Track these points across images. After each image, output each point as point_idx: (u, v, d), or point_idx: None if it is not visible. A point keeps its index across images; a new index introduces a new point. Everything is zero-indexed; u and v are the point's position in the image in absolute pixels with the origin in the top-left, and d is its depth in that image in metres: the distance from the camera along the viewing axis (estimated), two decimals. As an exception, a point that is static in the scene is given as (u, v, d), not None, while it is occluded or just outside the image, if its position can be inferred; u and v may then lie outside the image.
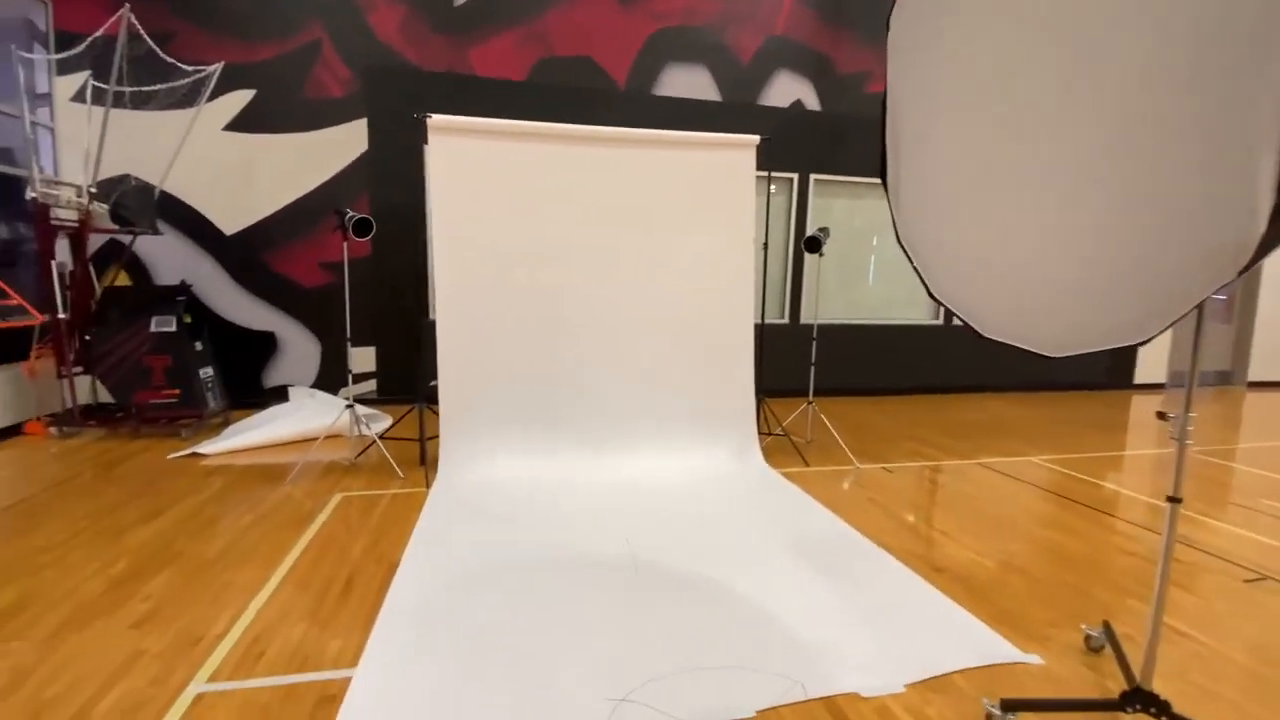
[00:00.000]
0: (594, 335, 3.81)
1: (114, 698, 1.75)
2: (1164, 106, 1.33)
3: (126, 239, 4.72)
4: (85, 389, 4.78)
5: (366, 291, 5.40)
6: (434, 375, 3.68)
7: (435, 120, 3.52)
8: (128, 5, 4.18)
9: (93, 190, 4.19)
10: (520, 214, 3.67)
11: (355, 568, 2.53)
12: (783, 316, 6.39)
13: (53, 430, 4.33)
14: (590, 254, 3.78)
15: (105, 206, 4.17)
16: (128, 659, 1.92)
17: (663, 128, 5.40)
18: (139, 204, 4.30)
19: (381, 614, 2.12)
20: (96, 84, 4.39)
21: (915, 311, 6.72)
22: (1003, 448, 4.66)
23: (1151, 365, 7.52)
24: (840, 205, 6.42)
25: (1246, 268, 1.18)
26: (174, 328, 4.42)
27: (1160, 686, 1.89)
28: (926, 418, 5.63)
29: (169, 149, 4.68)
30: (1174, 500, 1.68)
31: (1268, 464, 4.39)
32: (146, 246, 4.98)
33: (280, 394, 5.27)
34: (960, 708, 1.77)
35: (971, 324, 1.70)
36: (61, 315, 4.17)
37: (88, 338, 4.36)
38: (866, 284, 6.62)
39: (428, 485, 3.49)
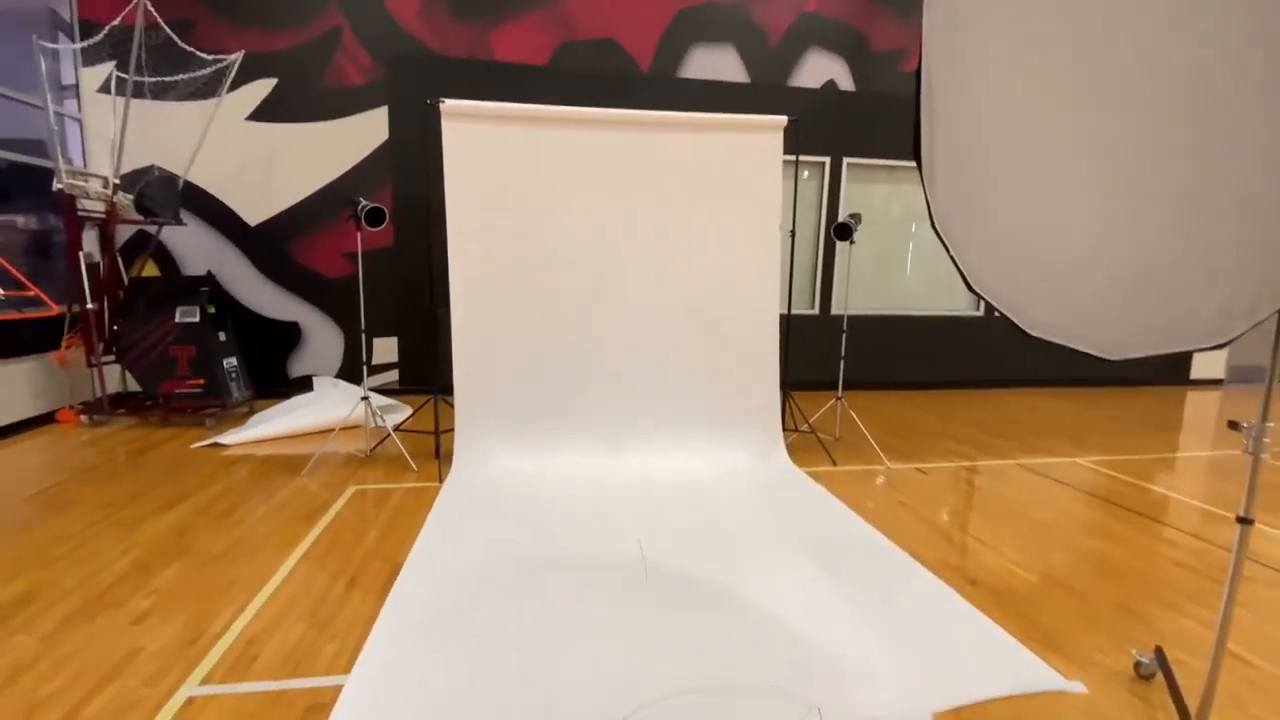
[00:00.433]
0: (612, 326, 3.68)
1: (106, 697, 1.72)
2: (1251, 73, 1.13)
3: (153, 230, 4.77)
4: (115, 378, 4.87)
5: (388, 282, 5.38)
6: (450, 367, 3.61)
7: (448, 105, 3.43)
8: (146, -7, 4.18)
9: (117, 182, 4.22)
10: (537, 201, 3.56)
11: (360, 566, 2.48)
12: (812, 307, 6.17)
13: (84, 419, 4.42)
14: (609, 242, 3.64)
15: (130, 198, 4.20)
16: (125, 656, 1.89)
17: (688, 111, 5.21)
18: (163, 195, 4.32)
19: (379, 620, 2.05)
20: (120, 74, 4.42)
21: (955, 302, 6.42)
22: (1046, 447, 4.40)
23: (1209, 359, 7.06)
24: (876, 191, 6.14)
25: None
26: (197, 318, 4.45)
27: (1217, 718, 1.71)
28: (964, 414, 5.37)
29: (193, 140, 4.69)
30: (1245, 521, 1.49)
31: (1342, 469, 4.04)
32: (175, 237, 5.03)
33: (305, 384, 5.29)
34: (994, 742, 1.61)
35: (1017, 321, 1.51)
36: (90, 306, 4.22)
37: (115, 328, 4.43)
38: (904, 274, 6.34)
39: (440, 480, 3.44)
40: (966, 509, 3.22)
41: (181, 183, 4.70)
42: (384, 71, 5.13)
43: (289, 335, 5.33)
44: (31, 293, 4.22)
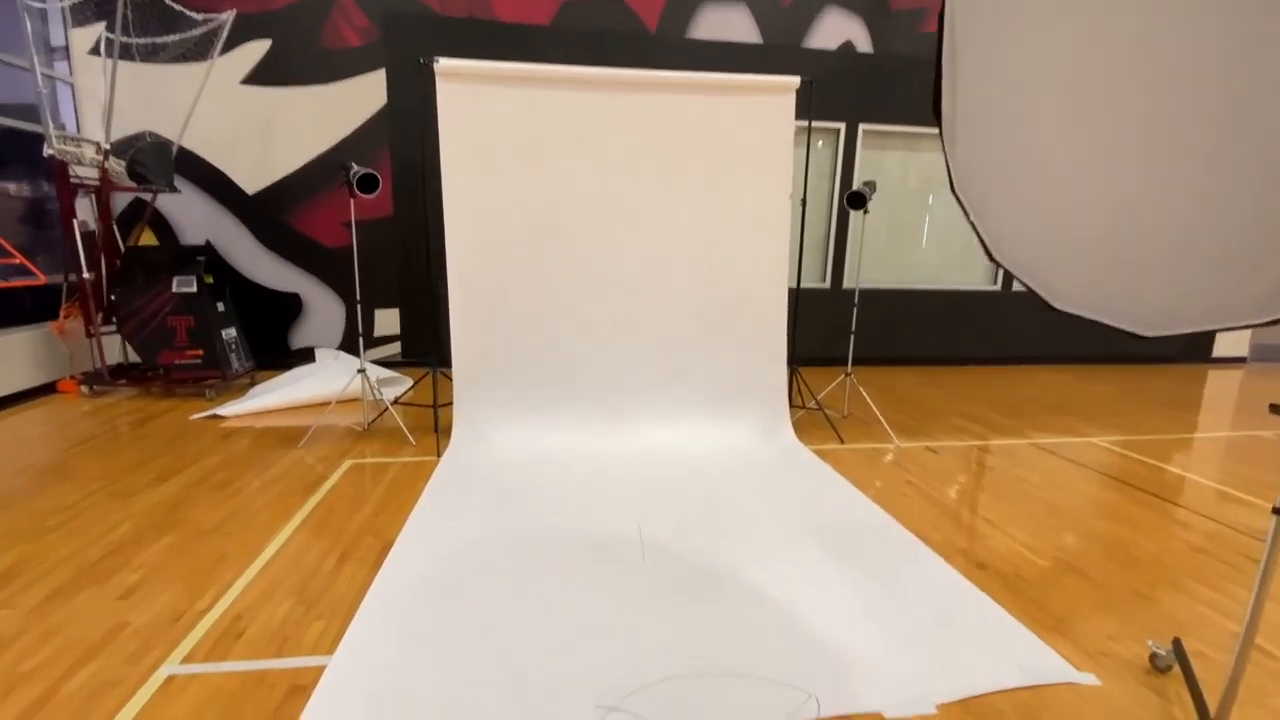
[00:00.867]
0: (614, 298, 3.57)
1: (86, 674, 1.68)
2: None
3: (147, 197, 4.68)
4: (116, 349, 4.84)
5: (389, 252, 5.28)
6: (449, 340, 3.53)
7: (443, 65, 3.28)
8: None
9: (108, 148, 4.12)
10: (537, 167, 3.42)
11: (352, 542, 2.43)
12: (824, 280, 6.01)
13: (84, 389, 4.40)
14: (611, 210, 3.51)
15: (122, 164, 4.10)
16: (109, 633, 1.86)
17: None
18: (155, 161, 4.22)
19: (366, 599, 2.00)
20: (109, 35, 4.29)
21: (971, 275, 6.23)
22: (1061, 426, 4.28)
23: (1233, 336, 6.84)
24: (892, 159, 5.91)
25: None
26: (194, 288, 4.39)
27: (1237, 715, 1.62)
28: (977, 391, 5.24)
29: (187, 104, 4.57)
30: (1282, 512, 1.38)
31: (1371, 451, 3.89)
32: (172, 206, 4.95)
33: (307, 356, 5.24)
34: (999, 736, 1.54)
35: (1041, 293, 1.39)
36: (86, 275, 4.16)
37: (113, 297, 4.37)
38: (918, 246, 6.14)
39: (439, 454, 3.38)
40: (976, 489, 3.13)
41: (175, 149, 4.59)
42: (381, 32, 4.95)
43: (290, 306, 5.26)
44: (16, 260, 4.16)
